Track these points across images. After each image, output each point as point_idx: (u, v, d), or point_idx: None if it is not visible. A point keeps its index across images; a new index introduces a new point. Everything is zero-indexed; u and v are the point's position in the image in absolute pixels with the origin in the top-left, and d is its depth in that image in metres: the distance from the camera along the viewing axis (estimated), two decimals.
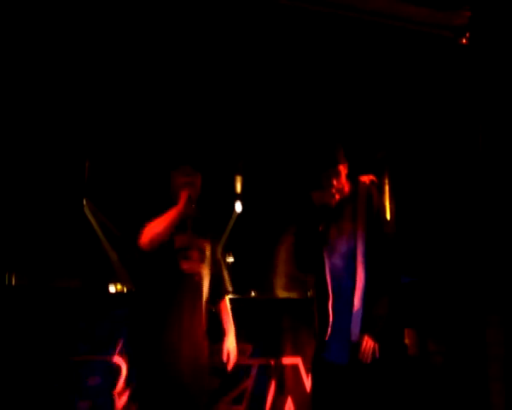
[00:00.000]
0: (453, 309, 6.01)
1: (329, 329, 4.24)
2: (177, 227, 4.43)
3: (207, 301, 4.56)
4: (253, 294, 7.06)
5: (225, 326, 4.72)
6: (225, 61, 6.38)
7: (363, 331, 4.14)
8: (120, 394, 5.32)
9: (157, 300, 4.41)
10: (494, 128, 5.70)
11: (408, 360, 6.10)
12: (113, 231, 7.66)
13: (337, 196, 4.42)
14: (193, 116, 7.04)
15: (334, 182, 4.39)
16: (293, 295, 6.72)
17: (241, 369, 5.58)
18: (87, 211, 7.64)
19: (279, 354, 5.66)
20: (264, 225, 7.97)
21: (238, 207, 8.74)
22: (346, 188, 4.47)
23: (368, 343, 4.11)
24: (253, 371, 5.60)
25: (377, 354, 4.11)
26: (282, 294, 6.62)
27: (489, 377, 5.61)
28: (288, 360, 5.59)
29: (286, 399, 5.54)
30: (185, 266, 4.42)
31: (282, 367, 5.63)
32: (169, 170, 4.63)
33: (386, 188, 7.14)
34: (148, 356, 4.36)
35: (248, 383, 5.58)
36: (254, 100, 6.93)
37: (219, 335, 4.74)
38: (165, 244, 4.38)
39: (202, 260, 4.54)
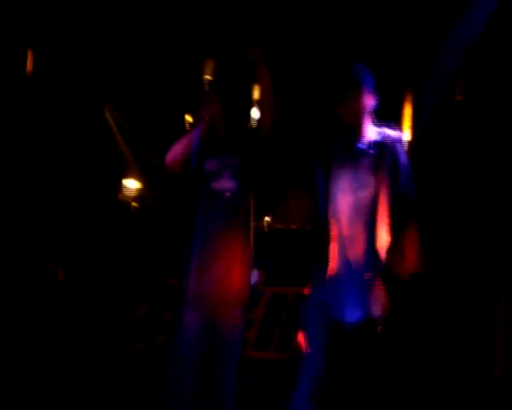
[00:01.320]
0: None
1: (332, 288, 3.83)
2: (207, 151, 4.43)
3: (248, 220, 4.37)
4: (267, 219, 7.05)
5: None
6: None
7: None
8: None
9: (187, 222, 4.30)
10: None
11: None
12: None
13: (360, 120, 3.94)
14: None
15: (358, 103, 3.89)
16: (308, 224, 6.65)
17: (252, 297, 5.72)
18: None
19: (292, 285, 5.74)
20: (282, 144, 7.94)
21: (255, 113, 8.57)
22: (369, 128, 3.96)
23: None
24: (265, 300, 5.77)
25: None
26: (297, 224, 6.58)
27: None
28: (300, 291, 5.63)
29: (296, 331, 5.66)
30: (215, 185, 4.27)
31: (293, 297, 5.74)
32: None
33: (407, 113, 7.11)
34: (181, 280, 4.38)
35: (259, 311, 5.75)
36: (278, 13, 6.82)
37: None
38: (194, 169, 4.30)
39: (233, 176, 4.34)
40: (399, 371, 5.41)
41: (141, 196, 7.17)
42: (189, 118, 4.75)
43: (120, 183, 7.56)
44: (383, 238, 3.82)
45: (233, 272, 4.29)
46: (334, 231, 3.91)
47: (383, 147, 3.93)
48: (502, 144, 5.80)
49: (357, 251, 3.86)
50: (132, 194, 7.38)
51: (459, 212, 6.11)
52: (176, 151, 4.31)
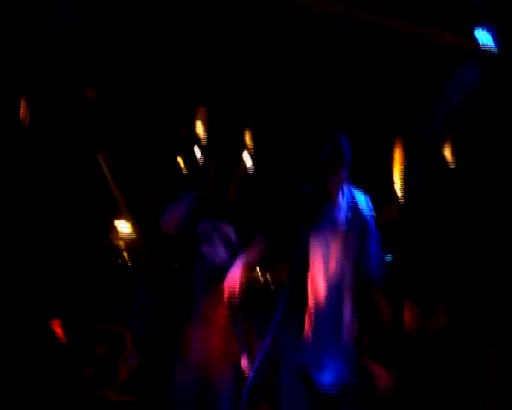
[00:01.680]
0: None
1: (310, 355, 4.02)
2: (201, 212, 4.55)
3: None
4: (257, 270, 7.04)
5: None
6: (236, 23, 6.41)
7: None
8: (125, 362, 5.54)
9: (178, 285, 4.53)
10: None
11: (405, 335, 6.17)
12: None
13: (333, 191, 4.13)
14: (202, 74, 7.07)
15: (337, 177, 4.08)
16: None
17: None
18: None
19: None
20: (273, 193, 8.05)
21: (246, 158, 8.57)
22: (343, 197, 4.17)
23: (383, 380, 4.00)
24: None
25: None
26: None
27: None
28: None
29: None
30: (206, 250, 4.51)
31: None
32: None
33: (397, 163, 7.21)
34: (168, 343, 4.51)
35: None
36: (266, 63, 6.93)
37: None
38: (187, 229, 4.49)
39: (224, 244, 4.58)
40: None
41: (133, 242, 7.20)
42: (181, 161, 4.83)
43: (112, 225, 7.60)
44: (347, 308, 4.01)
45: (226, 336, 4.46)
46: (311, 298, 4.07)
47: (353, 217, 4.13)
48: (491, 203, 5.90)
49: (329, 318, 4.01)
50: (124, 237, 7.41)
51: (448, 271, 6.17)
52: (170, 216, 4.47)
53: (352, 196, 4.20)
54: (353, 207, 4.16)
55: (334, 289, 4.02)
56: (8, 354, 5.45)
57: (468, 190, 6.21)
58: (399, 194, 6.67)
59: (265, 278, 6.75)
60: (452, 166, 6.61)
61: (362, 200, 4.21)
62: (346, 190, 4.18)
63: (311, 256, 4.10)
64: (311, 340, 4.01)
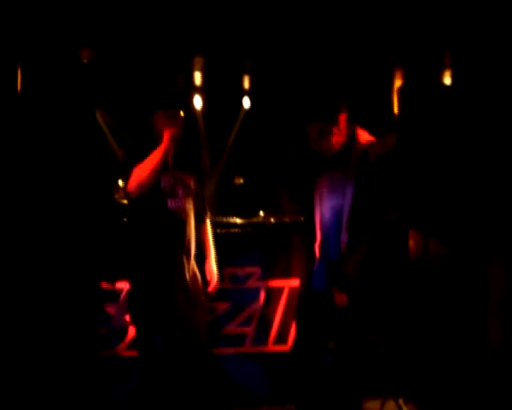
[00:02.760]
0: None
1: (315, 267, 4.61)
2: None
3: (196, 234, 4.73)
4: (261, 214, 7.14)
5: (206, 250, 4.89)
6: None
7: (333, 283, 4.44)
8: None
9: (147, 238, 4.56)
10: None
11: (409, 262, 6.19)
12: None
13: (335, 147, 4.49)
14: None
15: (335, 131, 4.46)
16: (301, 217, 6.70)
17: (249, 291, 5.83)
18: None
19: (287, 277, 5.85)
20: (272, 137, 8.02)
21: (246, 102, 8.58)
22: (344, 138, 4.51)
23: (338, 298, 4.41)
24: (262, 294, 5.83)
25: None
26: (290, 216, 6.67)
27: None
28: (296, 282, 5.61)
29: (293, 320, 5.67)
30: (171, 204, 4.54)
31: (290, 289, 5.82)
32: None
33: (395, 93, 7.13)
34: (142, 291, 4.57)
35: (257, 306, 5.82)
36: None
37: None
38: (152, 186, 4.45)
39: (187, 194, 4.65)
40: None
41: None
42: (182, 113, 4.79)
43: (116, 184, 7.61)
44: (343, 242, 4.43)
45: (193, 284, 4.66)
46: (318, 233, 4.59)
47: (353, 158, 4.46)
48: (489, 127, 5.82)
49: (330, 250, 4.52)
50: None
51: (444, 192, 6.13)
52: (142, 177, 4.38)
53: (354, 136, 4.52)
54: (354, 147, 4.47)
55: (335, 221, 4.44)
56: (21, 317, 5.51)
57: (466, 114, 6.11)
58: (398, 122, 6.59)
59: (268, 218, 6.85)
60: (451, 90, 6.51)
61: (364, 137, 4.52)
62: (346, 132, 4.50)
63: (317, 197, 4.57)
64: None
